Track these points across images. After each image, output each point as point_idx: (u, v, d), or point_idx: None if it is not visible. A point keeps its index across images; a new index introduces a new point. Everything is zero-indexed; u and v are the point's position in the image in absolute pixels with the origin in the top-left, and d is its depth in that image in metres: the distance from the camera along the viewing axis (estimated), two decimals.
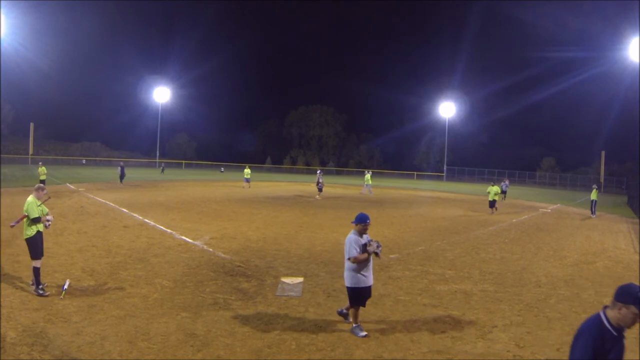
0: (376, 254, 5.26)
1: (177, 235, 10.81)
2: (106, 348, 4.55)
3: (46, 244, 8.72)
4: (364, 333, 5.14)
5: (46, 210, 6.63)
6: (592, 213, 20.81)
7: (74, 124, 73.05)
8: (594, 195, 20.91)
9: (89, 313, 5.48)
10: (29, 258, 7.71)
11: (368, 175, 28.91)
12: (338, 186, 36.68)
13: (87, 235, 10.34)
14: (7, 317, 5.25)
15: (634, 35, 40.94)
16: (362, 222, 5.27)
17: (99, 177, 33.83)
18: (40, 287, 6.13)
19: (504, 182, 29.78)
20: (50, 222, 6.59)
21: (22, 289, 6.31)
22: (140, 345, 4.67)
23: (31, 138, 57.75)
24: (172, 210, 15.51)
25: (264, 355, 4.57)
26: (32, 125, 57.08)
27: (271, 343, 4.85)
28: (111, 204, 16.75)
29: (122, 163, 30.01)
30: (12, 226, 6.53)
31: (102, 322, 5.22)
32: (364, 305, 5.35)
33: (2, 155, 41.77)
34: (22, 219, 6.36)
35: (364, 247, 5.19)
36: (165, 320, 5.38)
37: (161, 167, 51.25)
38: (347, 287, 5.29)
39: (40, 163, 21.24)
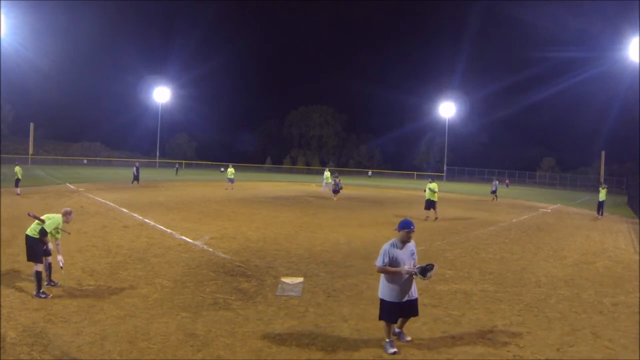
0: (417, 274, 4.74)
1: (177, 235, 10.81)
2: (106, 348, 4.55)
3: None
4: (393, 350, 4.68)
5: (59, 236, 6.48)
6: (598, 213, 20.31)
7: (74, 124, 73.22)
8: (603, 196, 20.23)
9: (89, 313, 5.48)
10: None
11: (327, 173, 27.78)
12: None
13: (87, 235, 10.33)
14: (7, 317, 5.24)
15: (634, 35, 41.01)
16: (404, 229, 4.75)
17: (99, 177, 33.84)
18: (42, 291, 6.04)
19: (495, 182, 29.41)
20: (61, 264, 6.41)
21: (22, 289, 6.31)
22: (140, 345, 4.67)
23: (31, 138, 57.77)
24: (172, 210, 15.50)
25: (264, 355, 4.57)
26: (32, 125, 57.10)
27: (271, 343, 4.85)
28: (111, 204, 16.75)
29: (137, 164, 29.52)
30: (30, 215, 6.46)
31: (102, 322, 5.22)
32: (393, 322, 4.82)
33: (2, 155, 41.77)
34: (39, 219, 6.29)
35: (396, 259, 4.71)
36: (165, 320, 5.38)
37: (175, 168, 50.39)
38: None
39: (16, 162, 21.21)
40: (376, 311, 5.93)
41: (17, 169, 19.45)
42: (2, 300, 5.77)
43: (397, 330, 5.05)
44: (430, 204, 15.99)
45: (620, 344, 5.20)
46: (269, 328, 5.27)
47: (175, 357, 4.45)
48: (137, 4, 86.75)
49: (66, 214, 6.56)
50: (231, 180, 26.82)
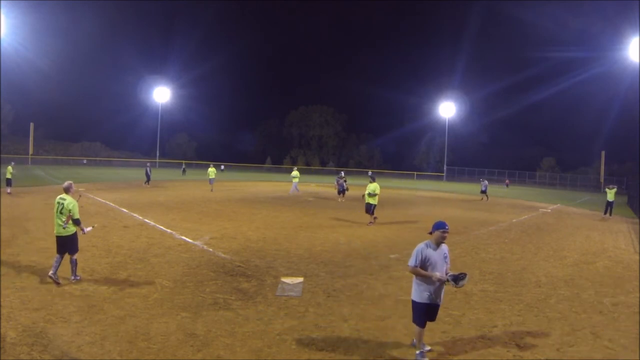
0: (449, 281, 4.56)
1: (177, 235, 10.81)
2: (106, 348, 4.55)
3: (46, 244, 8.79)
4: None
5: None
6: (604, 213, 20.20)
7: (74, 124, 73.28)
8: (611, 196, 19.96)
9: (89, 313, 5.48)
10: (29, 258, 7.83)
11: (295, 172, 26.05)
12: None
13: (87, 235, 10.30)
14: (7, 317, 5.24)
15: (634, 35, 41.03)
16: (438, 229, 4.63)
17: (99, 177, 33.83)
18: (78, 276, 6.82)
19: (485, 181, 29.18)
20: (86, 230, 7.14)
21: (22, 288, 6.31)
22: (140, 345, 4.67)
23: (31, 138, 57.75)
24: (172, 210, 15.50)
25: (264, 355, 4.57)
26: (32, 125, 57.08)
27: (271, 343, 4.85)
28: (111, 204, 16.74)
29: (148, 164, 29.19)
30: (65, 228, 6.71)
31: (102, 322, 5.22)
32: (422, 325, 4.64)
33: (2, 155, 41.75)
34: (69, 219, 6.69)
35: (429, 260, 4.56)
36: (165, 320, 5.38)
37: (182, 169, 49.65)
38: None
39: (13, 163, 21.07)
40: (376, 311, 5.96)
41: (9, 168, 19.36)
42: (2, 300, 5.77)
43: (414, 340, 4.86)
44: (369, 208, 14.02)
45: (620, 344, 5.20)
46: (269, 328, 5.27)
47: (175, 357, 4.45)
48: (137, 4, 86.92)
49: (69, 190, 6.99)
50: (211, 181, 25.52)
